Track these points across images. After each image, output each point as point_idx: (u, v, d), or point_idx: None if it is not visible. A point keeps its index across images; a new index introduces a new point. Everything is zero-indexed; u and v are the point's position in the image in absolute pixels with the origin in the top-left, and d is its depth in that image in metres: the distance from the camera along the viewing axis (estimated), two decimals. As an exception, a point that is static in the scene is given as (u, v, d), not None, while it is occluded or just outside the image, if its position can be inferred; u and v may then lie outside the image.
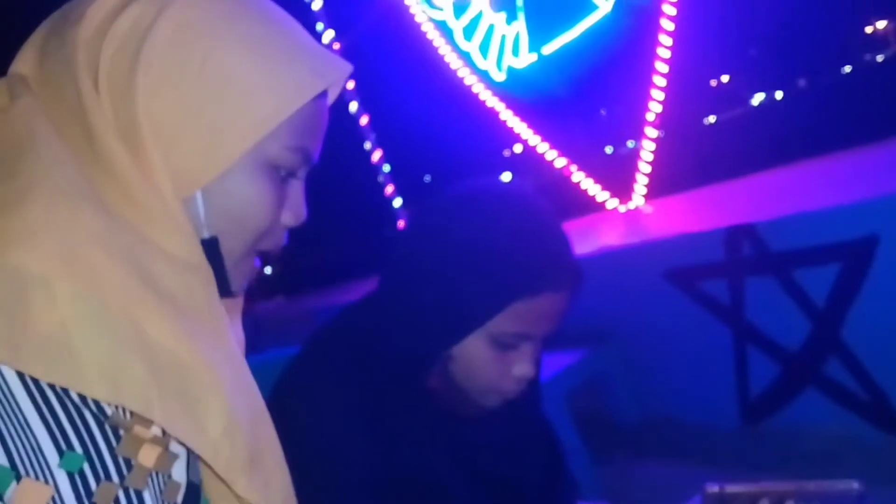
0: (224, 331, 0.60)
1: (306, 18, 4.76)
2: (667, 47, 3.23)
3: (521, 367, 0.93)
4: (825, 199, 2.20)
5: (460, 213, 0.94)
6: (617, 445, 2.64)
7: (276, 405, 1.00)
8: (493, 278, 0.90)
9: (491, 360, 0.92)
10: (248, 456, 0.58)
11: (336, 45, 5.05)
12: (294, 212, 0.67)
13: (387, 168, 5.05)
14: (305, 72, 0.62)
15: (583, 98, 4.00)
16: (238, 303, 0.72)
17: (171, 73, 0.58)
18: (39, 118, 0.57)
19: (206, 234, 0.61)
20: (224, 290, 0.65)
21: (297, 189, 0.67)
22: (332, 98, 0.70)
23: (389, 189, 4.94)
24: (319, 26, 4.90)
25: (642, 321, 2.64)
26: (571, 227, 3.25)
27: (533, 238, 0.93)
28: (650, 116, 3.40)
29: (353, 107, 5.14)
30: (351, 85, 5.10)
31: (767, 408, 2.34)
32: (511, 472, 1.07)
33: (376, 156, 5.10)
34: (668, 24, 3.22)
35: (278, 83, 0.60)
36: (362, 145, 5.06)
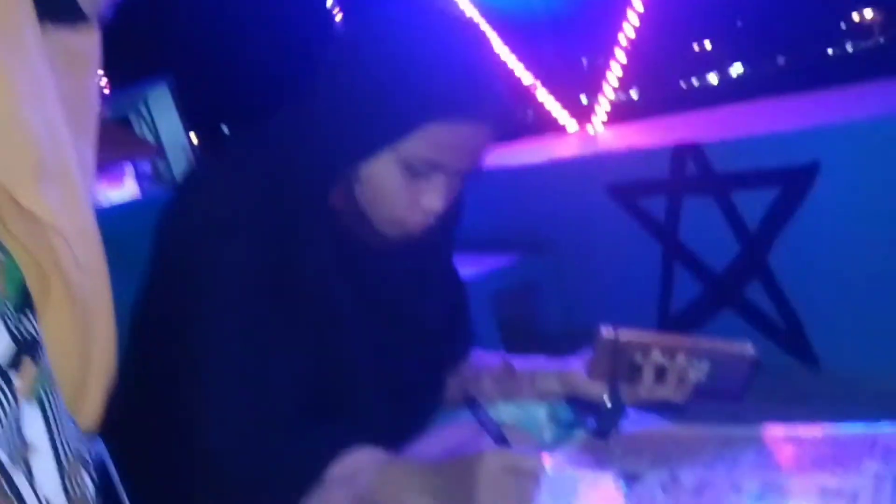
0: (28, 42, 0.54)
1: None
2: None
3: (430, 199, 0.90)
4: (774, 125, 2.20)
5: (387, 26, 0.90)
6: (537, 351, 2.66)
7: (176, 196, 0.97)
8: (409, 95, 0.86)
9: (398, 186, 0.89)
10: (38, 166, 0.53)
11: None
12: None
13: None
14: None
15: (559, 16, 3.92)
16: (88, 52, 0.66)
17: None
18: None
19: None
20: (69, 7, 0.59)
21: None
22: None
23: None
24: None
25: (578, 233, 2.65)
26: (528, 145, 3.20)
27: (459, 61, 0.89)
28: (622, 40, 3.35)
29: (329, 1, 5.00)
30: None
31: (685, 325, 2.38)
32: (408, 309, 1.06)
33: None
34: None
35: None
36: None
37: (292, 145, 0.92)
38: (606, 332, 0.97)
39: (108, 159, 3.11)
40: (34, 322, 0.55)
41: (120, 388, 0.99)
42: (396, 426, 1.04)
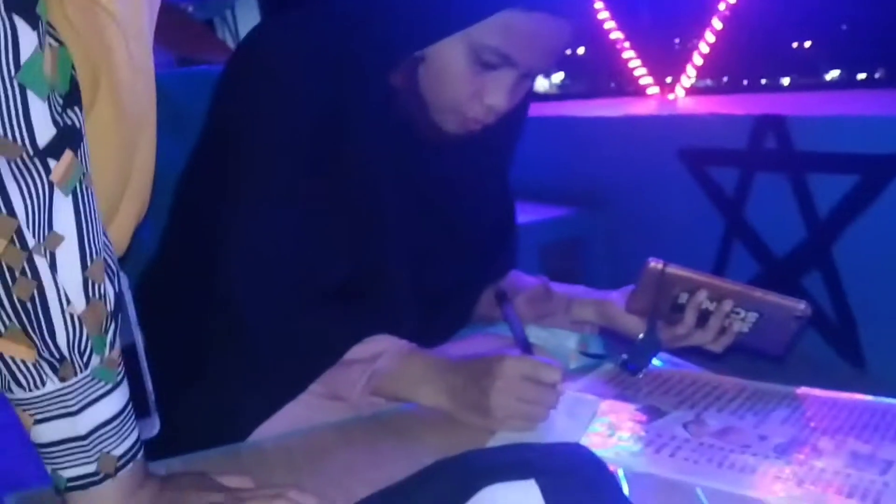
0: None
1: None
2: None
3: (494, 95, 0.86)
4: (863, 109, 2.09)
5: None
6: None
7: (234, 57, 0.95)
8: None
9: (463, 74, 0.85)
10: None
11: None
12: None
13: None
14: None
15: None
16: None
17: None
18: None
19: None
20: None
21: None
22: None
23: None
24: None
25: (639, 193, 2.57)
26: (606, 103, 3.10)
27: None
28: (717, 24, 3.22)
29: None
30: None
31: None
32: (454, 213, 1.03)
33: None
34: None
35: None
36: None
37: (360, 17, 0.89)
38: (654, 262, 0.93)
39: (185, 53, 3.12)
40: (79, 116, 0.54)
41: (164, 246, 1.00)
42: (420, 331, 1.02)
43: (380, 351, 0.86)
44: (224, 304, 0.87)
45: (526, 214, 2.70)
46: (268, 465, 0.78)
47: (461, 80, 0.86)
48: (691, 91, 3.57)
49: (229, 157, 0.90)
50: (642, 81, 3.69)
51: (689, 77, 3.52)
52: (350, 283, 0.94)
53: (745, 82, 4.02)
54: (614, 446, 0.77)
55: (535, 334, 1.10)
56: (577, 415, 0.83)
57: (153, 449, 0.67)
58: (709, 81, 4.18)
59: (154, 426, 0.71)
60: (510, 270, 1.15)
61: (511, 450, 0.68)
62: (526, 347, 0.88)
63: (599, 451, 0.75)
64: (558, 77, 5.18)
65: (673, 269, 0.93)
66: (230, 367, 0.88)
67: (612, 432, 0.80)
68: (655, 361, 1.00)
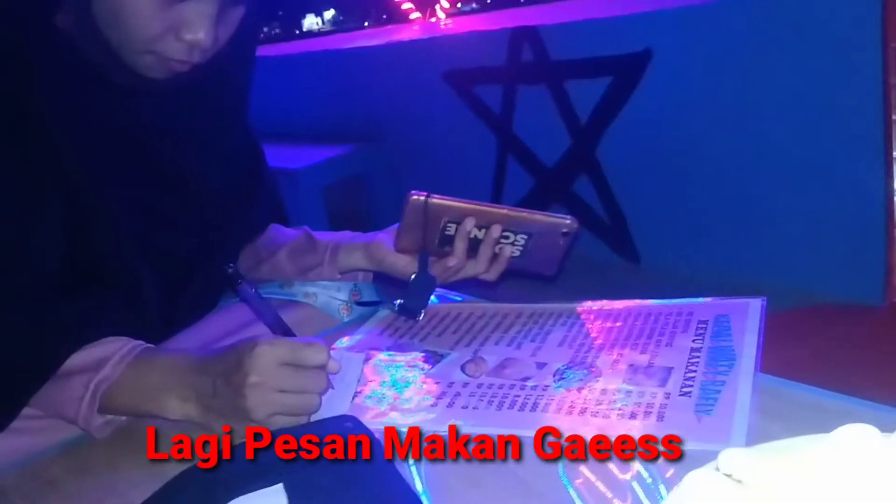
0: None
1: None
2: None
3: (192, 29, 0.70)
4: (609, 11, 2.14)
5: None
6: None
7: None
8: None
9: (146, 7, 0.69)
10: None
11: None
12: None
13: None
14: None
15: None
16: None
17: None
18: None
19: None
20: None
21: None
22: None
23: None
24: None
25: (413, 122, 2.52)
26: (374, 33, 3.00)
27: None
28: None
29: None
30: None
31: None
32: (184, 168, 0.88)
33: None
34: None
35: None
36: None
37: None
38: (416, 195, 0.86)
39: None
40: None
41: None
42: (169, 312, 0.88)
43: (105, 355, 0.71)
44: None
45: (306, 157, 2.58)
46: (-24, 516, 0.63)
47: (144, 13, 0.70)
48: (452, 13, 3.57)
49: None
50: (404, 7, 3.63)
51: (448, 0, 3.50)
52: (73, 269, 0.78)
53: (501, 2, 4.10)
54: (390, 406, 0.69)
55: (302, 291, 1.00)
56: (341, 378, 0.74)
57: None
58: (474, 5, 4.24)
59: None
60: (267, 226, 1.03)
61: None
62: (279, 328, 0.76)
63: (372, 419, 0.67)
64: (330, 14, 4.96)
65: (437, 200, 0.86)
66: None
67: (387, 390, 0.72)
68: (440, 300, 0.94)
